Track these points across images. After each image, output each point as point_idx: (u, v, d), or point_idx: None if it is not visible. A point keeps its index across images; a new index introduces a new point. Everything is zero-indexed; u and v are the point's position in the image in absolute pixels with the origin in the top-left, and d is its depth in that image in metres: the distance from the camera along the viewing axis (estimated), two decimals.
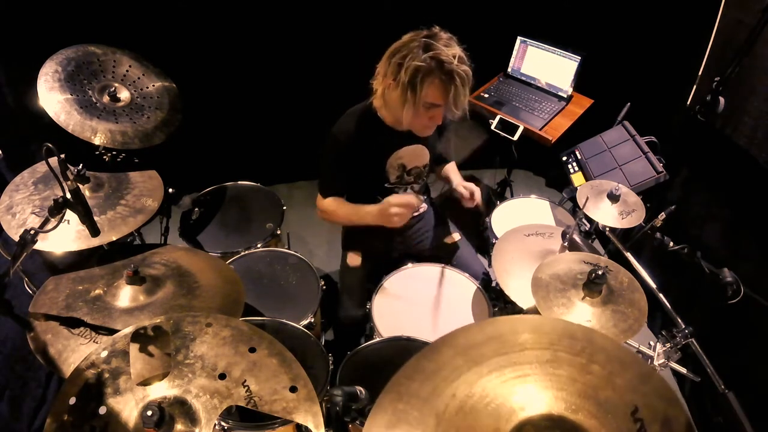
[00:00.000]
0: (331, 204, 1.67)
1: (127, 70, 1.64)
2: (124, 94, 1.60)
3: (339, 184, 1.67)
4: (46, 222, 1.07)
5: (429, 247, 1.89)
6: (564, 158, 2.14)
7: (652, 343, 1.33)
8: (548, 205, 2.12)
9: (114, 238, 1.32)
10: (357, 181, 1.67)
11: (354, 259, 1.82)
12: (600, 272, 1.18)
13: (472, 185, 1.72)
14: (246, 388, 0.85)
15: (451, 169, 1.88)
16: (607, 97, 2.27)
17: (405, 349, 1.43)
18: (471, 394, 0.69)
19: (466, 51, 1.41)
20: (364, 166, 1.63)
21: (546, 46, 2.31)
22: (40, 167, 1.42)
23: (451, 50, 1.38)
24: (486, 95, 2.37)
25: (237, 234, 1.90)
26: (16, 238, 1.05)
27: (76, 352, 1.08)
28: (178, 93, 1.71)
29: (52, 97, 1.43)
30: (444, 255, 1.85)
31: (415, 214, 1.83)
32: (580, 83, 2.28)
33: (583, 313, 1.20)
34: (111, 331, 1.13)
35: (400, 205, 1.51)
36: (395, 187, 1.71)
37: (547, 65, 2.34)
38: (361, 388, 0.98)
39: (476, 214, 1.76)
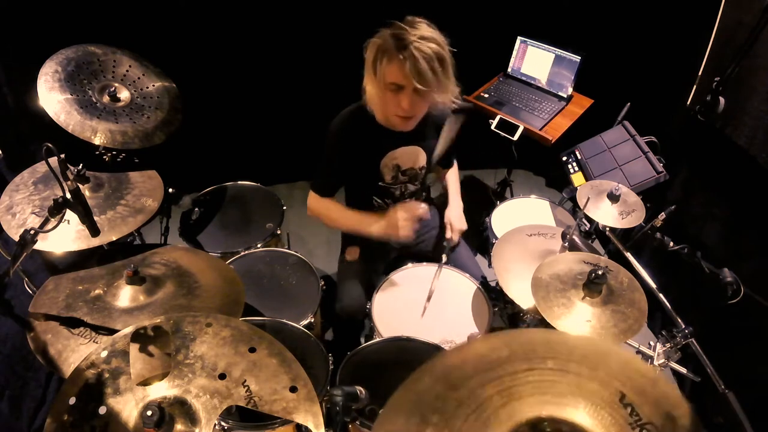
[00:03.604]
0: (328, 206, 1.65)
1: (127, 70, 1.64)
2: (124, 94, 1.60)
3: (333, 183, 1.66)
4: (46, 222, 1.07)
5: (429, 249, 1.89)
6: (564, 158, 2.14)
7: (652, 343, 1.33)
8: (548, 205, 2.12)
9: (114, 238, 1.32)
10: (352, 181, 1.65)
11: (352, 253, 1.81)
12: (600, 272, 1.18)
13: (456, 230, 1.75)
14: (246, 388, 0.85)
15: (452, 188, 1.88)
16: (607, 97, 2.27)
17: (405, 349, 1.43)
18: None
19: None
20: (359, 165, 1.62)
21: (546, 46, 2.31)
22: (40, 167, 1.42)
23: (417, 31, 1.31)
24: (486, 95, 2.37)
25: (237, 234, 1.90)
26: (16, 238, 1.05)
27: (76, 352, 1.08)
28: (178, 93, 1.71)
29: (52, 97, 1.43)
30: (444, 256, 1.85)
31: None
32: (580, 83, 2.28)
33: (583, 313, 1.20)
34: (111, 331, 1.13)
35: (408, 216, 1.51)
36: (390, 187, 1.70)
37: (547, 65, 2.33)
38: (361, 388, 0.97)
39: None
